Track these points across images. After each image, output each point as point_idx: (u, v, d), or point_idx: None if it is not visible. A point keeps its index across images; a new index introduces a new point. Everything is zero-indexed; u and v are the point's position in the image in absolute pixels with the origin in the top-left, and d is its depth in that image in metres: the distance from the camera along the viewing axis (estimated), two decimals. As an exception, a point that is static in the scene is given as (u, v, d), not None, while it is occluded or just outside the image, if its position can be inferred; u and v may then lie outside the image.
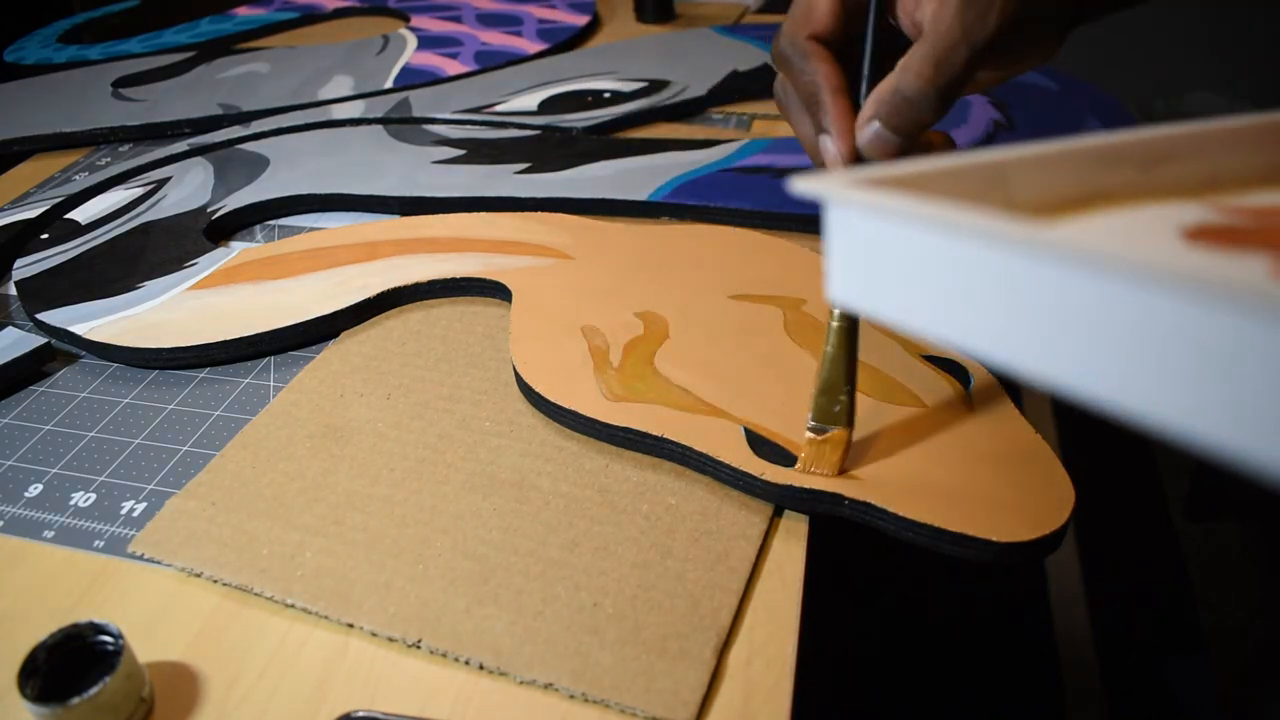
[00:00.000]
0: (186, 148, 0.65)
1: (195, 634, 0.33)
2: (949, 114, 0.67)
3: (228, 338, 0.46)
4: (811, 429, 0.35)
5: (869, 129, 0.32)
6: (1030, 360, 0.18)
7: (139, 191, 0.60)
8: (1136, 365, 0.16)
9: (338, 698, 0.31)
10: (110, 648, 0.30)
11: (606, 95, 0.70)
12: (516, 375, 0.42)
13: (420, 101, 0.70)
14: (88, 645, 0.30)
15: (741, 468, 0.36)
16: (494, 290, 0.49)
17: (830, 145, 0.33)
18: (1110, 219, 0.21)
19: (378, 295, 0.48)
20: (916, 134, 0.32)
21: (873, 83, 0.33)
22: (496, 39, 0.82)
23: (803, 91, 0.34)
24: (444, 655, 0.31)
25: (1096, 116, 0.63)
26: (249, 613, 0.34)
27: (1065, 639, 1.04)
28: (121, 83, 0.76)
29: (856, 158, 0.33)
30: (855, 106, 0.33)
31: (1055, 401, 1.38)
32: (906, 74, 0.31)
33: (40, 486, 0.40)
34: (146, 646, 0.32)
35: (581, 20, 0.86)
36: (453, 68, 0.77)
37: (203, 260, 0.52)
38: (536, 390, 0.41)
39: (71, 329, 0.47)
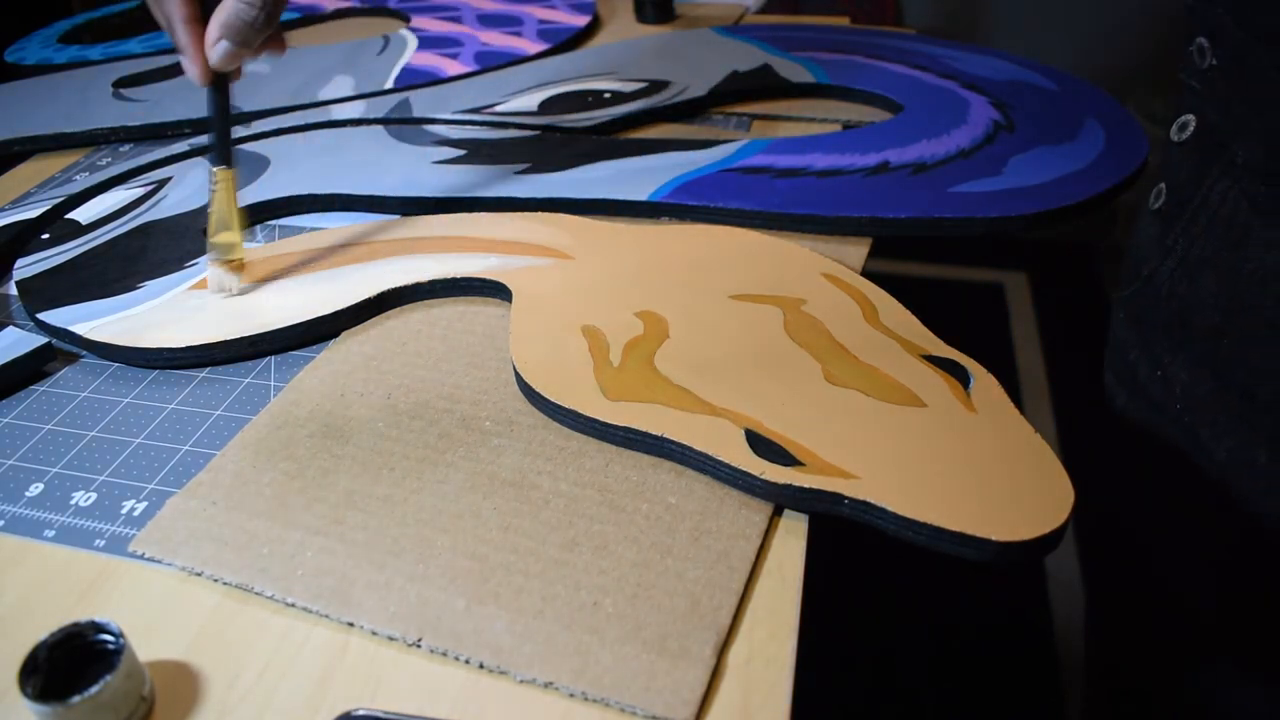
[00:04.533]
0: (187, 148, 0.65)
1: (196, 633, 0.33)
2: (949, 113, 0.67)
3: (228, 338, 0.46)
4: (214, 260, 0.49)
5: (219, 48, 0.42)
6: None
7: (140, 192, 0.60)
8: None
9: (338, 696, 0.31)
10: (111, 646, 0.30)
11: (607, 95, 0.70)
12: (517, 375, 0.42)
13: (420, 102, 0.70)
14: (88, 644, 0.30)
15: (741, 467, 0.36)
16: (494, 290, 0.49)
17: (188, 65, 0.44)
18: None
19: (378, 295, 0.48)
20: (256, 43, 0.43)
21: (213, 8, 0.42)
22: (497, 39, 0.82)
23: (163, 23, 0.44)
24: (444, 654, 0.32)
25: (1096, 117, 0.63)
26: (249, 612, 0.34)
27: (1065, 639, 1.04)
28: (122, 83, 0.76)
29: (213, 73, 0.44)
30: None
31: (1055, 401, 1.38)
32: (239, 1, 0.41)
33: (41, 486, 0.40)
34: (147, 645, 0.32)
35: (581, 21, 0.86)
36: (453, 68, 0.77)
37: (203, 260, 0.52)
38: (537, 390, 0.41)
39: (72, 329, 0.47)
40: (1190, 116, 0.47)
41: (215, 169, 0.48)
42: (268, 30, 0.43)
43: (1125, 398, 0.52)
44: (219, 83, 0.46)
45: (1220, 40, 0.44)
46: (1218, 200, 0.44)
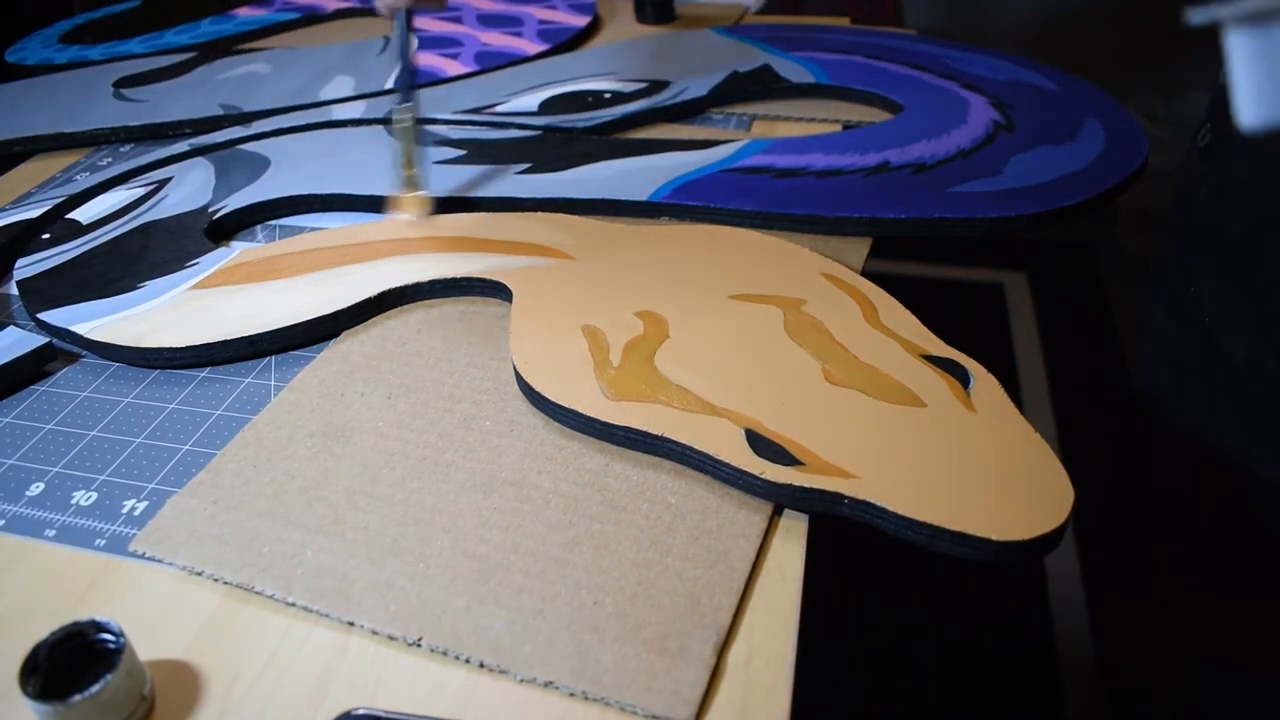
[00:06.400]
0: (188, 148, 0.65)
1: (196, 632, 0.33)
2: (949, 113, 0.67)
3: (228, 337, 0.46)
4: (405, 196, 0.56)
5: None
6: None
7: (140, 191, 0.60)
8: None
9: (338, 695, 0.31)
10: (111, 646, 0.30)
11: (607, 96, 0.70)
12: (517, 375, 0.42)
13: (421, 102, 0.70)
14: (89, 643, 0.30)
15: (741, 466, 0.36)
16: (495, 290, 0.49)
17: None
18: None
19: (378, 295, 0.48)
20: None
21: None
22: (497, 40, 0.82)
23: None
24: (444, 653, 0.32)
25: (1096, 117, 0.63)
26: (250, 611, 0.34)
27: (1065, 639, 1.04)
28: (123, 83, 0.76)
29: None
30: None
31: (1055, 401, 1.38)
32: None
33: (42, 485, 0.40)
34: (148, 644, 0.32)
35: (582, 21, 0.86)
36: (453, 68, 0.77)
37: (204, 260, 0.52)
38: (537, 390, 0.41)
39: (73, 329, 0.47)
40: None
41: (397, 108, 0.56)
42: None
43: (1163, 316, 0.58)
44: (405, 19, 0.55)
45: None
46: (1255, 138, 0.47)
